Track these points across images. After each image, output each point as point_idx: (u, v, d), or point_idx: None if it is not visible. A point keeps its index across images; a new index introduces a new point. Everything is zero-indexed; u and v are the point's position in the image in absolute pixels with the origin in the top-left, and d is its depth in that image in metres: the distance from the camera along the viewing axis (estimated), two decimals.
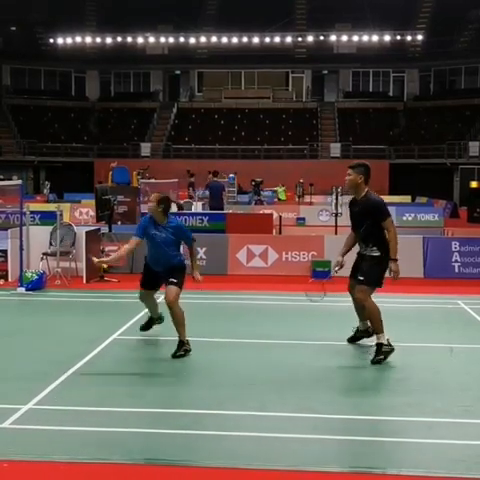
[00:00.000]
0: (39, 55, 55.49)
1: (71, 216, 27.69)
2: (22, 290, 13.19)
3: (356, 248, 9.10)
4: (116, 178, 25.37)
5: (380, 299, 9.54)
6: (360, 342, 9.41)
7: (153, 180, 29.17)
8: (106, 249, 15.55)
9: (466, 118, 52.38)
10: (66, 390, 7.46)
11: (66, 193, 43.40)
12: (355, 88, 57.36)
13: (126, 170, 27.09)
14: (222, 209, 22.86)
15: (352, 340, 9.51)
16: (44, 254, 14.79)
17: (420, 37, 53.10)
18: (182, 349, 8.84)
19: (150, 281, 9.29)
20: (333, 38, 53.04)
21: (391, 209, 32.85)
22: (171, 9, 53.16)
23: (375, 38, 51.41)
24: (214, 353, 9.12)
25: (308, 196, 41.81)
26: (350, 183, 8.88)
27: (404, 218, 31.11)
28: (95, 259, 9.72)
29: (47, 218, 19.18)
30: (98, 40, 52.57)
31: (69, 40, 52.11)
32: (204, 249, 16.15)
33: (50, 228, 15.11)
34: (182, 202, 25.57)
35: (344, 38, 52.28)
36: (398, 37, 52.38)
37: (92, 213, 23.67)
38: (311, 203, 38.76)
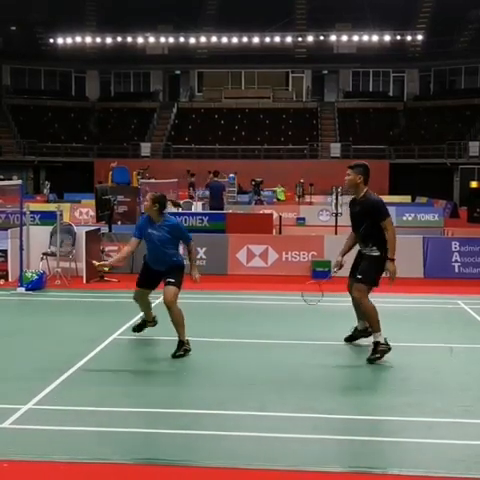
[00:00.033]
0: (39, 55, 55.50)
1: (71, 216, 27.69)
2: (22, 290, 13.19)
3: (356, 248, 9.12)
4: (116, 178, 25.38)
5: (380, 299, 9.56)
6: (359, 342, 9.41)
7: (153, 180, 29.16)
8: (106, 249, 15.57)
9: (466, 118, 52.39)
10: (66, 390, 7.46)
11: (66, 193, 43.40)
12: (355, 88, 57.37)
13: (126, 170, 27.11)
14: (222, 209, 22.86)
15: (349, 339, 9.53)
16: (44, 254, 14.79)
17: (420, 37, 53.11)
18: (182, 349, 8.84)
19: (147, 280, 9.25)
20: (333, 38, 53.05)
21: (391, 209, 32.80)
22: (171, 9, 53.17)
23: (375, 38, 51.41)
24: (214, 353, 9.12)
25: (308, 196, 41.82)
26: (349, 183, 8.94)
27: (404, 218, 31.12)
28: (96, 263, 9.78)
29: (47, 218, 19.19)
30: (98, 40, 52.58)
31: (69, 40, 52.12)
32: (204, 249, 16.16)
33: (50, 228, 15.11)
34: (181, 202, 25.58)
35: (344, 38, 52.29)
36: (398, 37, 52.38)
37: (92, 213, 23.68)
38: (311, 203, 38.76)
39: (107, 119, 57.10)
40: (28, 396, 7.11)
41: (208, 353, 9.06)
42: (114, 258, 10.00)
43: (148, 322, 9.70)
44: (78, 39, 52.04)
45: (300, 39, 53.84)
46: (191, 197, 30.59)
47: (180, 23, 53.20)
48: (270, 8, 52.82)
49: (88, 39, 52.53)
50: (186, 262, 9.21)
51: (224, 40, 52.11)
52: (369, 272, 8.69)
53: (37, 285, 13.43)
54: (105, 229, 16.20)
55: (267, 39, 51.85)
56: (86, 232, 15.19)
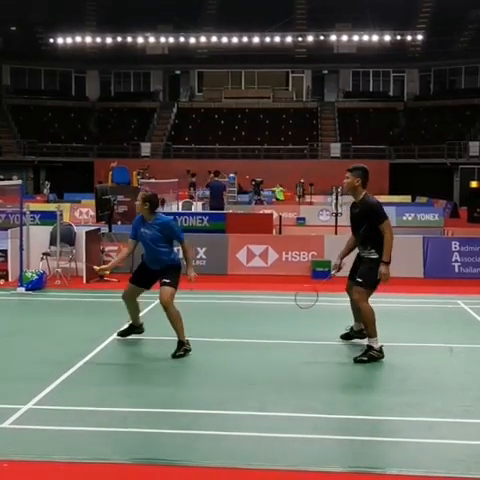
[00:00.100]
0: (39, 55, 55.50)
1: (71, 216, 27.68)
2: (22, 290, 13.20)
3: (356, 250, 9.12)
4: (116, 178, 25.39)
5: (380, 299, 9.56)
6: (360, 342, 9.40)
7: (153, 180, 29.17)
8: (106, 249, 15.58)
9: (466, 118, 52.38)
10: (66, 390, 7.46)
11: (66, 193, 43.42)
12: (355, 88, 57.37)
13: (126, 170, 27.12)
14: (222, 209, 22.86)
15: (345, 338, 9.56)
16: (44, 254, 14.79)
17: (420, 37, 53.12)
18: (182, 349, 8.83)
19: (142, 278, 9.23)
20: (333, 38, 53.06)
21: (391, 209, 32.83)
22: (171, 9, 53.17)
23: (375, 38, 51.43)
24: (214, 353, 9.12)
25: (308, 196, 41.81)
26: (348, 186, 8.98)
27: (404, 218, 31.12)
28: (96, 267, 9.82)
29: (47, 218, 19.17)
30: (98, 40, 52.60)
31: (69, 40, 52.14)
32: (204, 249, 16.16)
33: (50, 228, 15.10)
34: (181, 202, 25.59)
35: (344, 38, 52.31)
36: (398, 37, 52.40)
37: (92, 213, 23.68)
38: (311, 203, 38.75)
39: (107, 119, 57.10)
40: (28, 396, 7.11)
41: (208, 353, 9.06)
42: (113, 261, 9.99)
43: (135, 328, 9.58)
44: (78, 39, 52.06)
45: (300, 39, 53.85)
46: (191, 197, 30.58)
47: (180, 23, 53.20)
48: (270, 8, 52.82)
49: (88, 39, 52.55)
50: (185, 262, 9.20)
51: (224, 40, 52.12)
52: (369, 276, 8.69)
53: (37, 285, 13.44)
54: (105, 229, 16.20)
55: (267, 39, 51.87)
56: (86, 232, 15.20)
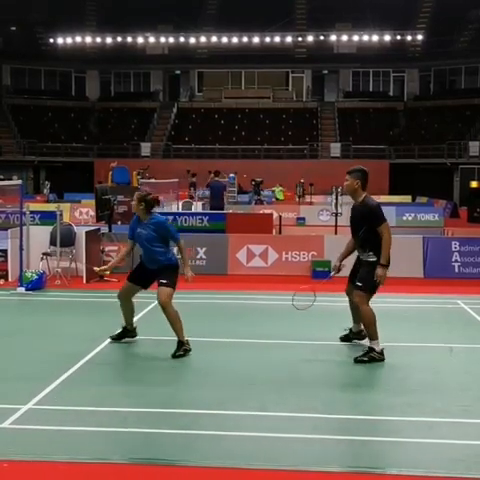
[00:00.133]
0: (39, 55, 55.51)
1: (71, 216, 27.69)
2: (22, 290, 13.20)
3: (356, 252, 9.12)
4: (116, 178, 25.40)
5: (380, 299, 9.56)
6: (359, 342, 9.40)
7: (153, 180, 29.17)
8: (106, 249, 15.58)
9: (466, 118, 52.39)
10: (66, 390, 7.46)
11: (66, 193, 43.44)
12: (355, 88, 57.37)
13: (126, 170, 27.12)
14: (222, 209, 22.86)
15: (344, 339, 9.56)
16: (44, 254, 14.79)
17: (420, 37, 53.13)
18: (182, 349, 8.83)
19: (139, 276, 9.23)
20: (333, 38, 53.07)
21: (391, 209, 32.77)
22: (171, 9, 53.17)
23: (375, 38, 51.44)
24: (214, 353, 9.12)
25: (308, 196, 41.81)
26: (347, 188, 9.01)
27: (404, 218, 31.12)
28: (96, 268, 9.86)
29: (47, 218, 19.17)
30: (98, 40, 52.61)
31: (69, 40, 52.14)
32: (204, 249, 16.17)
33: (50, 228, 15.11)
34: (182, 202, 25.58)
35: (344, 38, 52.32)
36: (398, 37, 52.41)
37: (92, 213, 23.67)
38: (311, 203, 38.75)
39: (107, 119, 57.11)
40: (28, 396, 7.11)
41: (208, 353, 9.06)
42: (112, 261, 10.02)
43: (128, 331, 9.53)
44: (78, 39, 52.07)
45: (300, 39, 53.85)
46: (191, 197, 30.58)
47: (180, 23, 53.20)
48: (270, 8, 52.83)
49: (88, 39, 52.56)
50: (189, 263, 9.20)
51: (224, 40, 52.13)
52: (368, 279, 8.67)
53: (37, 285, 13.44)
54: (105, 229, 16.20)
55: (267, 39, 51.87)
56: (86, 232, 15.20)
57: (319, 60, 55.36)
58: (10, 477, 5.48)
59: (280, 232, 21.04)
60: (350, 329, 9.52)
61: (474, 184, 35.31)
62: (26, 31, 55.41)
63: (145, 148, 52.19)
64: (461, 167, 48.48)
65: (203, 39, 52.58)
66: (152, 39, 52.78)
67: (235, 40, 51.95)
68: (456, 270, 15.89)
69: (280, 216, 22.92)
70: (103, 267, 10.01)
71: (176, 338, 8.90)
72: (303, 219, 31.19)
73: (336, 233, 18.93)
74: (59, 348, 9.22)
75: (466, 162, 48.53)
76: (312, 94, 57.84)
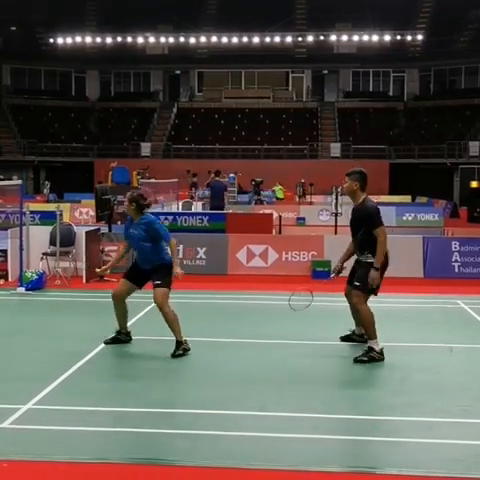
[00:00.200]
0: (39, 55, 55.50)
1: (71, 216, 27.69)
2: (22, 290, 13.19)
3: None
4: (116, 178, 25.41)
5: (380, 299, 9.55)
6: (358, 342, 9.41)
7: (153, 180, 29.17)
8: (106, 249, 15.58)
9: (466, 118, 52.39)
10: (66, 390, 7.47)
11: (66, 193, 43.44)
12: (355, 88, 57.37)
13: (126, 170, 27.14)
14: (223, 209, 22.85)
15: (346, 339, 9.57)
16: (44, 254, 14.79)
17: (420, 37, 53.11)
18: (181, 348, 8.84)
19: (134, 274, 9.24)
20: (333, 38, 53.06)
21: (391, 209, 32.78)
22: (171, 9, 53.16)
23: (375, 38, 51.41)
24: (214, 353, 9.12)
25: (308, 196, 41.80)
26: (346, 190, 9.06)
27: (404, 218, 31.12)
28: (97, 270, 9.99)
29: (47, 218, 19.17)
30: (98, 40, 52.58)
31: (69, 40, 52.12)
32: (204, 249, 16.17)
33: (50, 228, 15.11)
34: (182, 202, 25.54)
35: (344, 38, 52.30)
36: (398, 37, 52.39)
37: (92, 213, 23.66)
38: (311, 203, 38.75)
39: (107, 119, 57.11)
40: (28, 396, 7.11)
41: (208, 353, 9.06)
42: (112, 261, 10.06)
43: (123, 334, 9.48)
44: (78, 39, 52.05)
45: (300, 39, 53.84)
46: (192, 197, 30.56)
47: (180, 23, 53.20)
48: (270, 8, 52.81)
49: (88, 39, 52.53)
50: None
51: (224, 40, 52.11)
52: (366, 279, 8.69)
53: (37, 285, 13.44)
54: (105, 229, 16.20)
55: (267, 39, 51.85)
56: (86, 232, 15.20)
57: (319, 60, 55.36)
58: (10, 477, 5.48)
59: (280, 232, 21.04)
60: (353, 331, 9.52)
61: (474, 184, 35.32)
62: (26, 31, 55.40)
63: (145, 148, 52.19)
64: (461, 167, 48.48)
65: (203, 39, 52.57)
66: (152, 39, 52.76)
67: (235, 40, 51.94)
68: (456, 270, 15.89)
69: (280, 216, 22.92)
70: (103, 267, 10.06)
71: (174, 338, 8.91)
72: (303, 219, 31.19)
73: (336, 233, 18.92)
74: (59, 348, 9.22)
75: (466, 162, 48.53)
76: (312, 94, 57.84)
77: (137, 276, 9.23)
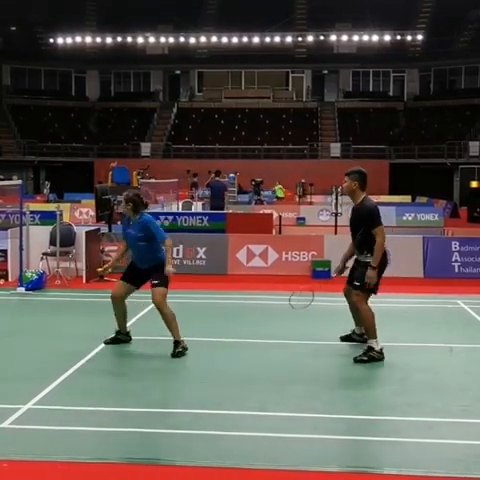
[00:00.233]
0: (39, 55, 55.50)
1: (71, 216, 27.69)
2: (22, 290, 13.19)
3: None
4: (116, 178, 25.43)
5: (380, 299, 9.56)
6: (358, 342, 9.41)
7: (153, 180, 29.19)
8: (106, 249, 15.58)
9: (466, 118, 52.39)
10: (66, 390, 7.47)
11: (66, 193, 43.44)
12: (355, 88, 57.37)
13: (126, 170, 27.16)
14: (223, 209, 22.84)
15: (346, 339, 9.57)
16: (44, 254, 14.79)
17: (420, 37, 53.12)
18: (179, 347, 8.85)
19: (132, 275, 9.24)
20: (333, 38, 53.06)
21: (391, 209, 32.78)
22: (171, 9, 53.17)
23: (375, 38, 51.42)
24: (214, 353, 9.12)
25: (308, 196, 41.80)
26: (346, 190, 9.07)
27: (404, 218, 31.13)
28: (99, 270, 10.08)
29: (47, 218, 19.17)
30: (98, 40, 52.59)
31: (69, 40, 52.13)
32: (204, 249, 16.17)
33: (50, 228, 15.11)
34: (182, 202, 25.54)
35: (344, 38, 52.30)
36: (398, 37, 52.39)
37: (92, 213, 23.66)
38: (311, 203, 38.76)
39: (107, 119, 57.10)
40: (28, 396, 7.11)
41: (208, 353, 9.06)
42: (112, 261, 10.06)
43: (123, 335, 9.49)
44: (78, 39, 52.05)
45: (300, 39, 53.84)
46: (192, 197, 30.56)
47: (180, 23, 53.20)
48: (270, 8, 52.82)
49: (88, 39, 52.54)
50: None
51: (224, 40, 52.11)
52: (364, 279, 8.69)
53: (37, 285, 13.44)
54: (105, 229, 16.20)
55: (267, 39, 51.85)
56: (86, 232, 15.20)
57: (319, 60, 55.36)
58: (10, 477, 5.48)
59: (280, 232, 21.04)
60: (353, 331, 9.52)
61: (474, 184, 35.31)
62: (26, 31, 55.40)
63: (145, 148, 52.19)
64: (461, 167, 48.49)
65: (203, 39, 52.58)
66: (152, 39, 52.77)
67: (235, 40, 51.94)
68: (456, 270, 15.89)
69: (280, 216, 22.92)
70: (104, 267, 10.09)
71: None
72: (303, 219, 31.19)
73: (336, 233, 18.92)
74: (59, 348, 9.22)
75: (466, 162, 48.54)
76: (312, 94, 57.84)
77: (134, 276, 9.23)
